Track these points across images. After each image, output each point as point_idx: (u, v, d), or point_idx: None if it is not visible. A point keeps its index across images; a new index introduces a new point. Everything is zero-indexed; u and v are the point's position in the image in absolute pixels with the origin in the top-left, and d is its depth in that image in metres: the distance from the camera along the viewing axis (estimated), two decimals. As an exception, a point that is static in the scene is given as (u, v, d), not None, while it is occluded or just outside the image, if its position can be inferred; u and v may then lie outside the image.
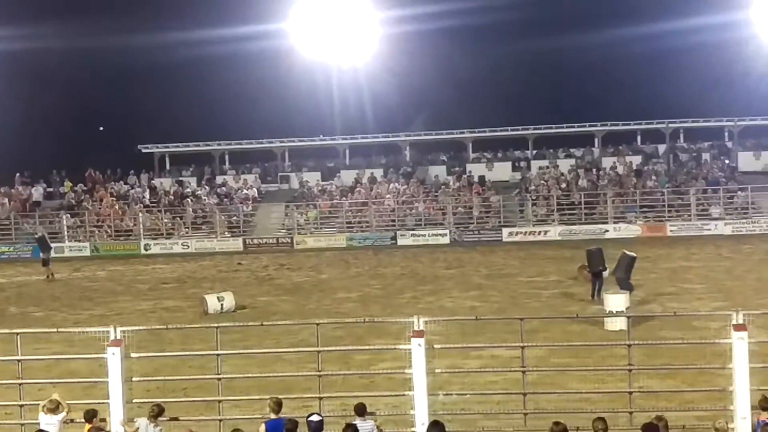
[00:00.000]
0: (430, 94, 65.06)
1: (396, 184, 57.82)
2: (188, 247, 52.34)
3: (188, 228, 55.13)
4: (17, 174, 61.03)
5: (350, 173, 60.52)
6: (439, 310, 27.13)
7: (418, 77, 64.54)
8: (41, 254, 42.48)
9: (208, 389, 15.74)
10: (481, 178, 57.82)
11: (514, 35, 65.84)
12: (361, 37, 59.78)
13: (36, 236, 46.90)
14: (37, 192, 58.72)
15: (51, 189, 60.85)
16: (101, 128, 77.42)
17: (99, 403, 13.65)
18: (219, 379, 15.00)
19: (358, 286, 34.02)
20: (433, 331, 14.17)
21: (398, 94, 63.49)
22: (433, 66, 65.62)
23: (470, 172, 58.91)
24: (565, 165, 58.91)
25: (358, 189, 57.56)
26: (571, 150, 61.94)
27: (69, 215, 55.80)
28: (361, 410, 12.40)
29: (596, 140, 61.98)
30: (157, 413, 12.74)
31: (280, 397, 12.56)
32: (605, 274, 27.71)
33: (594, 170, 57.63)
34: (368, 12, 59.26)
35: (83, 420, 13.00)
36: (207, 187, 59.91)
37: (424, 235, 51.72)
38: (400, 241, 51.31)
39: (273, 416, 12.07)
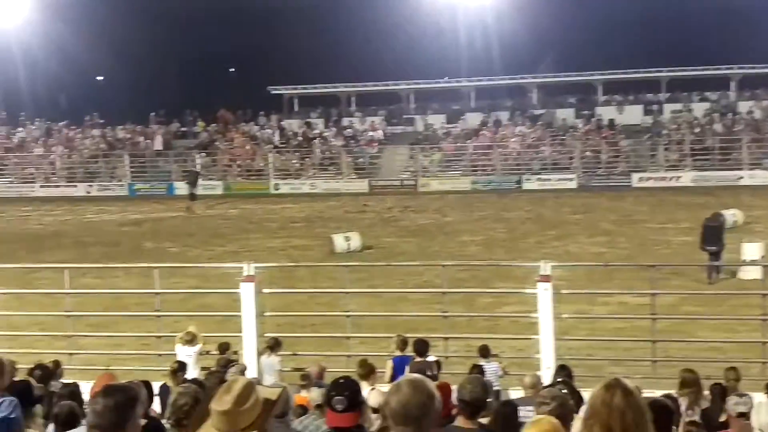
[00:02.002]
0: (559, 34, 63.43)
1: (522, 127, 57.03)
2: (315, 187, 53.21)
3: (316, 169, 55.98)
4: (152, 113, 63.04)
5: (475, 116, 59.96)
6: (564, 255, 26.80)
7: (546, 16, 62.97)
8: (191, 190, 44.75)
9: (336, 326, 16.11)
10: (611, 121, 56.39)
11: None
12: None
13: (191, 170, 49.10)
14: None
15: (184, 128, 62.62)
16: (232, 69, 78.95)
17: (231, 336, 14.17)
18: (347, 316, 15.32)
19: (482, 230, 33.94)
20: (559, 276, 14.08)
21: (526, 34, 62.00)
22: (562, 4, 63.93)
23: (600, 115, 57.54)
24: (699, 109, 56.79)
25: (482, 132, 57.09)
26: (706, 93, 59.57)
27: (203, 154, 57.43)
28: (485, 352, 12.48)
29: (732, 84, 59.41)
30: (273, 345, 13.14)
31: (406, 335, 12.76)
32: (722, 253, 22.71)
33: (729, 114, 55.41)
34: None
35: (217, 352, 13.54)
36: (334, 129, 60.54)
37: (549, 180, 51.01)
38: (525, 186, 50.77)
39: (399, 353, 12.28)
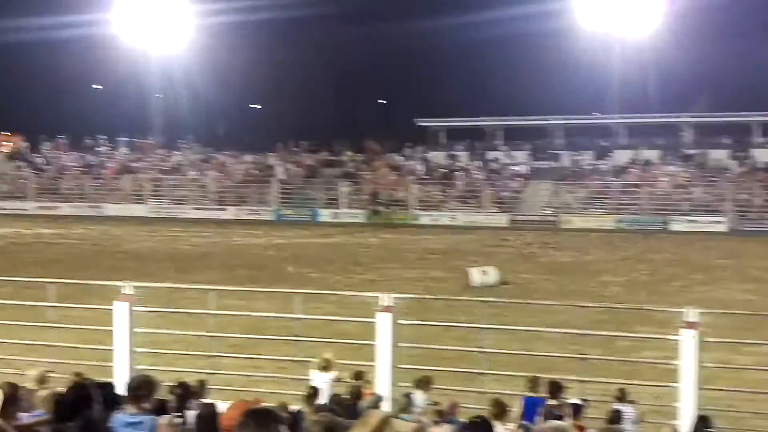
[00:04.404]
0: (716, 73, 61.57)
1: (672, 167, 55.49)
2: (455, 219, 53.27)
3: (457, 201, 56.06)
4: (303, 142, 64.67)
5: (624, 153, 58.77)
6: (711, 301, 25.83)
7: (703, 54, 61.20)
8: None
9: (469, 361, 15.99)
10: (767, 164, 54.18)
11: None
12: (644, 9, 57.54)
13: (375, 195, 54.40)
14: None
15: (332, 157, 63.96)
16: (382, 101, 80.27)
17: (365, 364, 14.26)
18: (481, 352, 15.20)
19: (625, 271, 33.13)
20: (704, 323, 13.57)
21: (681, 71, 60.58)
22: (720, 42, 61.99)
23: (755, 157, 55.37)
24: None
25: (631, 169, 55.84)
26: None
27: (347, 183, 58.44)
28: (622, 395, 12.15)
29: None
30: (422, 382, 13.11)
31: (540, 376, 12.56)
32: None
33: None
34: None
35: (351, 379, 13.65)
36: (478, 162, 60.53)
37: (698, 222, 49.37)
38: (672, 227, 49.32)
39: (530, 393, 12.09)
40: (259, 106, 78.66)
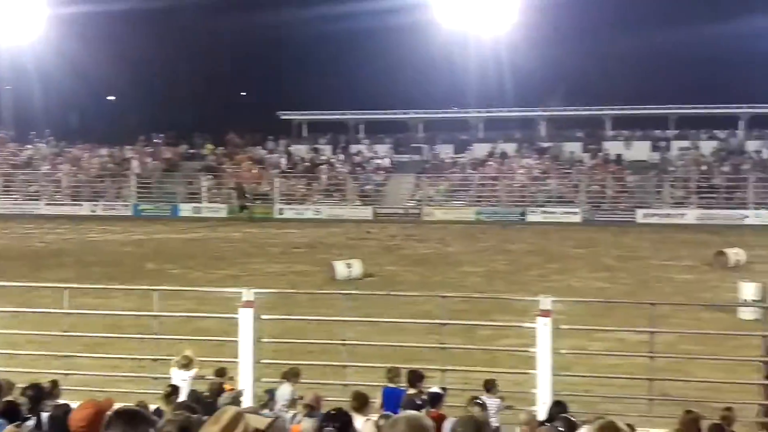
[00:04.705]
0: (569, 68, 63.71)
1: (528, 160, 57.13)
2: (320, 213, 53.31)
3: (321, 195, 56.09)
4: (160, 134, 63.26)
5: (483, 146, 60.12)
6: (566, 289, 26.74)
7: (557, 50, 63.22)
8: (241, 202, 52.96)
9: (333, 354, 16.03)
10: (618, 156, 56.49)
11: (659, 14, 63.82)
12: (500, 7, 58.90)
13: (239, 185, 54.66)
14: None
15: (193, 150, 62.82)
16: (243, 94, 79.38)
17: (228, 361, 14.09)
18: (344, 344, 15.25)
19: (485, 261, 33.89)
20: (558, 311, 14.00)
21: (536, 67, 62.33)
22: (574, 39, 64.20)
23: (607, 150, 57.65)
24: (707, 147, 56.88)
25: (489, 162, 57.18)
26: (714, 132, 59.67)
27: (208, 177, 57.58)
28: (490, 386, 12.30)
29: (741, 123, 59.51)
30: (289, 375, 13.04)
31: (401, 366, 12.68)
32: None
33: (737, 154, 55.44)
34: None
35: (213, 377, 13.45)
36: (341, 155, 60.71)
37: (554, 213, 51.03)
38: (530, 218, 50.80)
39: (391, 385, 12.17)
40: (115, 98, 76.48)
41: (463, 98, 64.18)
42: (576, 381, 14.93)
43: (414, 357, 15.82)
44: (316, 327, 18.35)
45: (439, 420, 9.08)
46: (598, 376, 15.58)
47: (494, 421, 11.61)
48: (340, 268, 28.98)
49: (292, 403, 12.21)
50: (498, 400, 12.32)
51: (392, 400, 11.38)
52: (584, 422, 9.19)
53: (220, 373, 13.48)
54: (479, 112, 63.27)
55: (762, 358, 13.90)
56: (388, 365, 13.04)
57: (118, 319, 18.48)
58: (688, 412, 10.13)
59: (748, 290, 21.95)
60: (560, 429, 9.30)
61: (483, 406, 10.85)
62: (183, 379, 13.10)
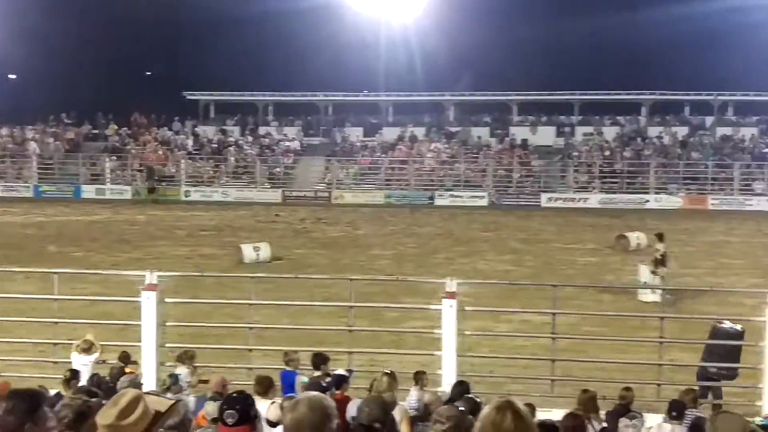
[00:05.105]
0: (477, 54, 64.31)
1: (437, 144, 57.56)
2: (228, 195, 52.72)
3: (229, 177, 55.47)
4: (63, 114, 61.56)
5: (392, 130, 60.29)
6: (472, 272, 27.09)
7: (465, 36, 63.74)
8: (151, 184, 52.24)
9: (239, 337, 15.92)
10: (524, 141, 57.39)
11: (565, 1, 64.94)
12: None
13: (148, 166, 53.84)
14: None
15: (96, 131, 61.29)
16: (148, 73, 77.74)
17: (132, 345, 13.87)
18: (250, 328, 15.15)
19: (393, 244, 34.08)
20: (465, 293, 14.17)
21: (445, 52, 62.74)
22: (482, 25, 64.82)
23: (513, 135, 58.49)
24: (610, 132, 58.22)
25: (399, 146, 57.42)
26: (617, 118, 61.12)
27: (112, 158, 56.35)
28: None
29: (643, 109, 61.10)
30: (183, 357, 12.90)
31: (308, 349, 12.66)
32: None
33: (639, 139, 56.94)
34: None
35: (116, 361, 13.22)
36: (250, 137, 60.09)
37: (461, 197, 51.56)
38: (438, 201, 51.21)
39: (286, 368, 12.10)
40: (15, 77, 74.01)
41: (374, 81, 64.17)
42: (481, 362, 15.17)
43: (323, 340, 15.82)
44: (224, 311, 18.18)
45: (344, 402, 9.08)
46: (503, 357, 15.85)
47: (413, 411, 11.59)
48: (248, 252, 28.76)
49: (188, 385, 12.10)
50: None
51: (288, 383, 11.40)
52: (487, 403, 9.28)
53: (125, 357, 13.26)
54: (389, 95, 63.35)
55: (660, 339, 14.34)
56: (296, 348, 13.02)
57: (20, 302, 17.98)
58: (585, 391, 10.40)
59: (647, 272, 22.61)
60: (462, 409, 9.38)
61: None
62: (84, 364, 12.87)
